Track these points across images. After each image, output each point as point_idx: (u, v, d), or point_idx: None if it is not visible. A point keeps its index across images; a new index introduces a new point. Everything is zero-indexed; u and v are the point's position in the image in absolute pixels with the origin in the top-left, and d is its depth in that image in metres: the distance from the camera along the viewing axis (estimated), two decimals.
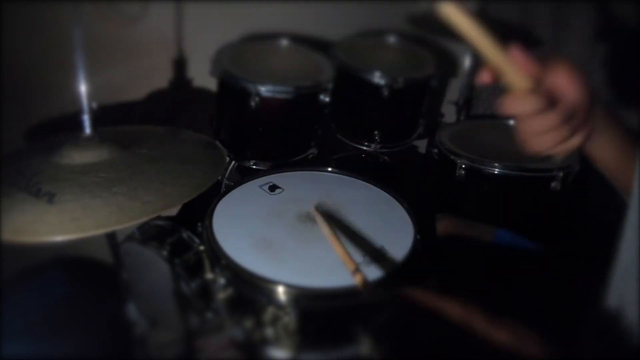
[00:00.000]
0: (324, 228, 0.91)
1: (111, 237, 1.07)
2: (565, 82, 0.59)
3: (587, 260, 0.70)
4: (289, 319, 0.83)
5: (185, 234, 1.12)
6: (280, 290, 0.81)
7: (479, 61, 1.83)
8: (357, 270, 0.82)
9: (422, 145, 1.79)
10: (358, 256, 0.87)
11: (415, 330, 0.71)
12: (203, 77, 1.42)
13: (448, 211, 1.29)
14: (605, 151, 0.68)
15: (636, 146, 0.66)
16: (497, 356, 0.55)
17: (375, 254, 0.89)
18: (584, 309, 0.68)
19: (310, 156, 1.42)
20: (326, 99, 1.34)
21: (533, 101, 0.57)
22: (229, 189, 1.06)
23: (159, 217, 1.15)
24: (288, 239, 0.92)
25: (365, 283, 0.77)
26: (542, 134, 0.59)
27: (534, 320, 0.57)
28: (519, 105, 0.58)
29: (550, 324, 0.59)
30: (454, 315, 0.58)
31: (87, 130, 0.93)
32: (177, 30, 1.47)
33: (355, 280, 0.80)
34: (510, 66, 0.60)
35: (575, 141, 0.61)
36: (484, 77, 0.62)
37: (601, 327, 0.65)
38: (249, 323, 0.89)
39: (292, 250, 0.89)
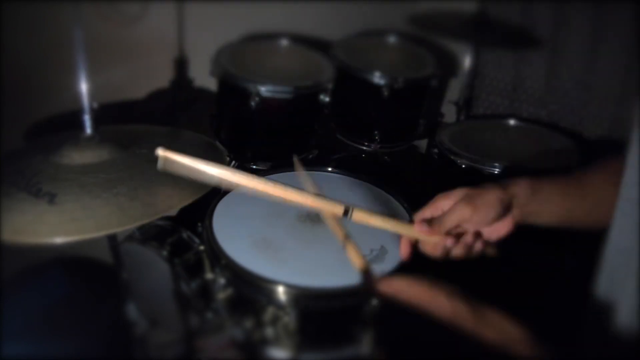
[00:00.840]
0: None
1: (111, 237, 1.07)
2: (463, 217, 0.73)
3: (586, 259, 0.71)
4: (289, 319, 0.83)
5: (185, 234, 1.12)
6: (280, 290, 0.81)
7: (479, 61, 1.83)
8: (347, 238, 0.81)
9: (422, 145, 1.79)
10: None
11: (402, 325, 0.72)
12: (203, 77, 1.42)
13: None
14: (552, 213, 0.76)
15: (582, 186, 0.75)
16: (484, 354, 0.55)
17: (375, 254, 0.89)
18: (579, 307, 0.68)
19: (310, 156, 1.42)
20: (326, 99, 1.34)
21: (443, 248, 0.73)
22: (229, 189, 1.06)
23: (159, 217, 1.15)
24: (288, 239, 0.92)
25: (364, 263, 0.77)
26: (466, 254, 0.74)
27: (527, 319, 0.58)
28: (436, 252, 0.75)
29: (543, 322, 0.59)
30: (441, 310, 0.58)
31: (88, 130, 0.93)
32: (177, 30, 1.47)
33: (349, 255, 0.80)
34: (418, 233, 0.75)
35: (500, 232, 0.75)
36: (405, 252, 0.77)
37: (595, 325, 0.65)
38: (249, 323, 0.89)
39: (292, 250, 0.89)
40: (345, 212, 0.74)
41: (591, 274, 0.66)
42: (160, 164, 0.67)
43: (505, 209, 0.73)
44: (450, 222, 0.73)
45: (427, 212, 0.76)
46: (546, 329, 0.56)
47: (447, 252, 0.74)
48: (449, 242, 0.73)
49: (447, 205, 0.75)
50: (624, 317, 0.61)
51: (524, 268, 1.15)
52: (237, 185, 0.71)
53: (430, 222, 0.75)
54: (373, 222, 0.75)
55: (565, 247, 1.14)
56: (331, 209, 0.74)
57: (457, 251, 0.74)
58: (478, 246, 0.75)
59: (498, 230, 0.75)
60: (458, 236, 0.74)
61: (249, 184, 0.72)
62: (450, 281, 0.69)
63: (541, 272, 1.17)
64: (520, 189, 0.74)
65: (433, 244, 0.75)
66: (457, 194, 0.75)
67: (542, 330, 0.56)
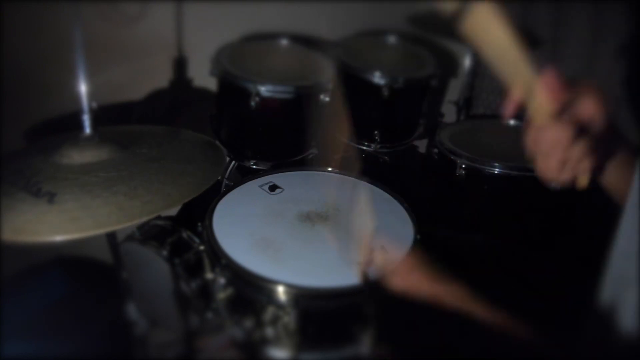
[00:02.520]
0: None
1: (111, 237, 1.07)
2: (593, 111, 0.58)
3: (585, 259, 0.70)
4: (289, 319, 0.83)
5: (185, 234, 1.12)
6: (280, 290, 0.81)
7: (479, 61, 1.83)
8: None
9: (422, 145, 1.79)
10: (358, 255, 0.87)
11: (412, 320, 0.71)
12: (203, 77, 1.42)
13: (448, 211, 1.29)
14: (614, 173, 0.67)
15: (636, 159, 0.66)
16: (494, 344, 0.55)
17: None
18: (581, 307, 0.68)
19: (310, 156, 1.42)
20: (326, 99, 1.34)
21: (564, 130, 0.56)
22: (229, 189, 1.06)
23: (159, 217, 1.15)
24: (288, 239, 0.92)
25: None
26: (570, 165, 0.59)
27: (532, 319, 0.58)
28: (549, 135, 0.57)
29: (547, 321, 0.59)
30: (450, 301, 0.58)
31: (87, 130, 0.93)
32: (177, 30, 1.47)
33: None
34: (540, 90, 0.57)
35: (598, 169, 0.61)
36: (509, 110, 0.60)
37: (597, 329, 0.65)
38: (249, 323, 0.89)
39: (292, 250, 0.89)
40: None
41: (594, 279, 0.65)
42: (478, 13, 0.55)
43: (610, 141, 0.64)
44: (584, 110, 0.58)
45: (559, 75, 0.59)
46: (549, 331, 0.56)
47: (565, 146, 0.58)
48: (567, 126, 0.56)
49: (575, 86, 0.60)
50: (626, 321, 0.61)
51: (527, 272, 1.15)
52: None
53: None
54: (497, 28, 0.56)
55: (570, 251, 1.14)
56: None
57: (577, 150, 0.58)
58: (592, 158, 0.60)
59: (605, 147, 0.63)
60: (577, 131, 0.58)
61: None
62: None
63: (544, 276, 1.17)
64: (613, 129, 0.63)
65: (549, 122, 0.58)
66: (589, 86, 0.61)
67: (545, 332, 0.56)
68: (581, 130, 0.58)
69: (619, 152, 0.66)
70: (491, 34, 0.57)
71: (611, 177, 0.68)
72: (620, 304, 0.61)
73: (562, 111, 0.57)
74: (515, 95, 0.60)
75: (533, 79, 0.58)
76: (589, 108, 0.58)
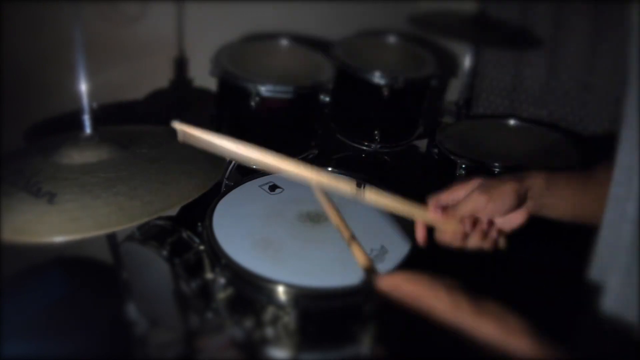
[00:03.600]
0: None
1: (111, 237, 1.07)
2: (477, 210, 0.74)
3: (584, 259, 0.71)
4: (289, 319, 0.83)
5: (185, 234, 1.12)
6: (280, 290, 0.81)
7: (479, 61, 1.83)
8: (352, 238, 0.81)
9: (422, 145, 1.79)
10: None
11: (401, 323, 0.72)
12: (203, 77, 1.42)
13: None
14: (565, 208, 0.76)
15: (593, 181, 0.74)
16: (484, 350, 0.56)
17: (375, 254, 0.89)
18: (578, 307, 0.68)
19: (310, 156, 1.42)
20: (326, 99, 1.34)
21: (460, 235, 0.74)
22: (229, 189, 1.06)
23: (159, 217, 1.15)
24: (288, 239, 0.92)
25: (367, 259, 0.77)
26: (481, 244, 0.75)
27: (525, 314, 0.58)
28: (451, 239, 0.76)
29: (542, 320, 0.59)
30: (441, 304, 0.59)
31: (87, 130, 0.93)
32: (177, 30, 1.47)
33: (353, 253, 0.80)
34: (433, 218, 0.76)
35: (514, 223, 0.75)
36: (421, 236, 0.78)
37: (596, 325, 0.65)
38: (249, 323, 0.89)
39: (292, 250, 0.89)
40: (359, 186, 0.75)
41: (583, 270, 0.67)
42: (180, 137, 0.72)
43: (520, 200, 0.73)
44: (465, 209, 0.74)
45: (441, 198, 0.76)
46: (543, 323, 0.57)
47: (463, 239, 0.75)
48: (467, 226, 0.73)
49: (461, 194, 0.75)
50: (610, 308, 0.62)
51: (521, 265, 1.15)
52: (249, 159, 0.75)
53: (444, 209, 0.75)
54: (386, 202, 0.76)
55: (560, 244, 1.14)
56: (343, 186, 0.75)
57: (474, 239, 0.74)
58: (493, 234, 0.75)
59: (512, 221, 0.75)
60: (474, 223, 0.74)
61: (260, 158, 0.75)
62: (450, 277, 0.69)
63: (537, 268, 1.17)
64: (535, 181, 0.74)
65: (451, 231, 0.75)
66: (473, 183, 0.75)
67: (539, 322, 0.56)
68: (474, 221, 0.75)
69: (553, 193, 0.75)
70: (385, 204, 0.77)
71: (560, 210, 0.76)
72: (605, 291, 0.62)
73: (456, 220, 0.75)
74: (419, 226, 0.78)
75: (426, 215, 0.77)
76: (470, 209, 0.74)
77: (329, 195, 0.86)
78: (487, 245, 0.75)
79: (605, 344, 0.63)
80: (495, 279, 1.07)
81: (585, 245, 0.67)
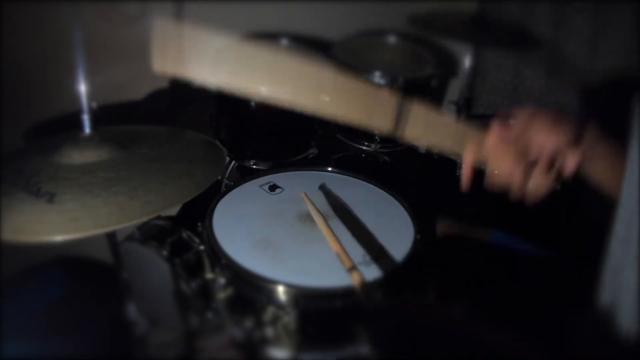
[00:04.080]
0: (320, 224, 0.92)
1: (111, 237, 1.07)
2: (543, 139, 0.67)
3: (584, 259, 0.71)
4: (289, 319, 0.83)
5: (185, 234, 1.12)
6: (280, 289, 0.81)
7: (479, 61, 1.83)
8: (353, 268, 0.82)
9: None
10: (358, 256, 0.87)
11: (398, 326, 0.71)
12: None
13: (448, 211, 1.29)
14: (600, 170, 0.71)
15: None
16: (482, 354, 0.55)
17: (375, 254, 0.89)
18: (580, 308, 0.68)
19: (310, 156, 1.42)
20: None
21: (516, 167, 0.67)
22: (229, 189, 1.06)
23: (159, 217, 1.15)
24: (288, 239, 0.92)
25: (362, 282, 0.77)
26: (536, 188, 0.68)
27: (530, 320, 0.58)
28: (507, 179, 0.68)
29: (544, 323, 0.59)
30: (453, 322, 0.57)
31: (87, 129, 0.93)
32: None
33: (352, 280, 0.80)
34: (490, 144, 0.68)
35: (567, 172, 0.68)
36: (467, 175, 0.70)
37: (595, 326, 0.65)
38: (249, 323, 0.89)
39: (292, 250, 0.89)
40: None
41: (595, 278, 0.66)
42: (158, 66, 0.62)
43: (576, 143, 0.69)
44: (527, 145, 0.67)
45: (501, 127, 0.68)
46: (546, 327, 0.56)
47: (523, 177, 0.67)
48: (532, 159, 0.66)
49: (521, 123, 0.68)
50: (624, 322, 0.61)
51: (526, 271, 1.15)
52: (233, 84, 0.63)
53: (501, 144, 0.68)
54: (437, 120, 0.67)
55: (570, 250, 1.14)
56: (377, 119, 0.67)
57: (538, 176, 0.67)
58: (557, 169, 0.68)
59: (569, 161, 0.69)
60: (531, 166, 0.68)
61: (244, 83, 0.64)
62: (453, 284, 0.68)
63: (544, 274, 1.17)
64: (590, 129, 0.70)
65: (509, 168, 0.67)
66: (533, 111, 0.69)
67: (542, 328, 0.56)
68: (532, 164, 0.67)
69: (599, 150, 0.70)
70: (432, 128, 0.68)
71: (597, 174, 0.71)
72: (619, 305, 0.61)
73: (514, 151, 0.67)
74: (468, 160, 0.69)
75: (481, 137, 0.68)
76: (537, 138, 0.67)
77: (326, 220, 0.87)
78: (547, 183, 0.68)
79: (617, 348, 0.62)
80: (497, 280, 1.07)
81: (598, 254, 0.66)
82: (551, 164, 0.67)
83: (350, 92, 0.68)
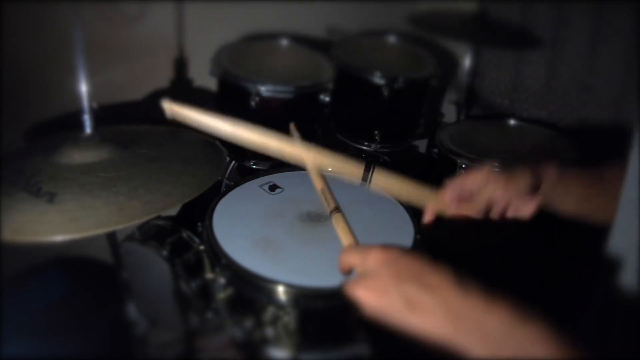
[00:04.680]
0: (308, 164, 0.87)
1: (111, 237, 1.07)
2: (496, 194, 0.73)
3: (586, 258, 0.70)
4: (289, 319, 0.83)
5: (185, 234, 1.12)
6: (280, 289, 0.81)
7: (479, 61, 1.83)
8: (336, 210, 0.81)
9: (422, 145, 1.79)
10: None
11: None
12: (203, 77, 1.42)
13: None
14: (573, 201, 0.76)
15: (602, 180, 0.74)
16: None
17: None
18: (582, 305, 0.68)
19: None
20: (326, 99, 1.34)
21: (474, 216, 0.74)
22: (229, 189, 1.06)
23: (159, 217, 1.15)
24: (288, 239, 0.92)
25: (344, 224, 0.76)
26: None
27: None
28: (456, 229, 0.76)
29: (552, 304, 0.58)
30: (445, 284, 0.55)
31: (87, 129, 0.93)
32: (177, 30, 1.47)
33: (333, 222, 0.78)
34: (447, 209, 0.76)
35: (524, 217, 0.74)
36: (428, 220, 0.77)
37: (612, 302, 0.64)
38: (249, 323, 0.89)
39: (292, 250, 0.89)
40: (367, 171, 0.76)
41: (595, 276, 0.65)
42: (168, 114, 0.73)
43: (534, 189, 0.74)
44: (483, 200, 0.73)
45: (456, 187, 0.75)
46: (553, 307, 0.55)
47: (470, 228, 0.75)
48: (481, 216, 0.73)
49: (476, 184, 0.74)
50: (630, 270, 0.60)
51: (527, 270, 1.15)
52: (236, 136, 0.75)
53: (459, 200, 0.75)
54: (396, 187, 0.77)
55: (571, 250, 1.14)
56: (351, 170, 0.76)
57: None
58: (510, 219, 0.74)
59: (524, 210, 0.74)
60: (486, 213, 0.74)
61: (248, 137, 0.76)
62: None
63: (545, 273, 1.17)
64: (548, 173, 0.74)
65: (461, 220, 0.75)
66: (487, 172, 0.75)
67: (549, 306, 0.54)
68: (488, 209, 0.74)
69: (564, 186, 0.75)
70: (394, 188, 0.80)
71: (571, 205, 0.76)
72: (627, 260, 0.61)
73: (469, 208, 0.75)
74: (429, 212, 0.77)
75: (438, 198, 0.76)
76: (489, 195, 0.73)
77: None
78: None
79: (621, 321, 0.61)
80: (502, 272, 1.07)
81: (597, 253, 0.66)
82: (504, 213, 0.74)
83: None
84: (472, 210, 0.74)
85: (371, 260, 0.56)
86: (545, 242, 1.14)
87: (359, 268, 0.59)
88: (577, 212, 0.75)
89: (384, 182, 0.78)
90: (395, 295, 0.51)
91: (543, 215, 0.75)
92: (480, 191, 0.74)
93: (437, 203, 0.76)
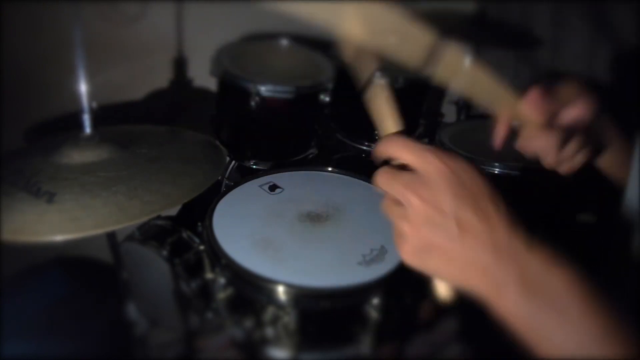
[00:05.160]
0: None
1: (111, 236, 1.07)
2: (578, 114, 0.63)
3: (587, 258, 0.70)
4: (289, 319, 0.83)
5: (185, 234, 1.12)
6: (280, 289, 0.81)
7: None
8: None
9: None
10: (358, 255, 0.87)
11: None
12: (203, 77, 1.42)
13: None
14: (611, 159, 0.70)
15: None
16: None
17: (376, 254, 0.89)
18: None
19: (310, 156, 1.42)
20: (326, 99, 1.34)
21: (552, 139, 0.63)
22: (229, 189, 1.06)
23: (159, 217, 1.15)
24: (288, 239, 0.92)
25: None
26: (566, 160, 0.65)
27: None
28: (538, 144, 0.64)
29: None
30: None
31: (87, 129, 0.93)
32: (177, 30, 1.47)
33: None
34: (525, 108, 0.63)
35: (592, 158, 0.67)
36: (500, 134, 0.65)
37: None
38: (249, 323, 0.89)
39: (292, 250, 0.89)
40: None
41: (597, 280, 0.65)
42: None
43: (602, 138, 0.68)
44: (569, 115, 0.63)
45: (543, 89, 0.63)
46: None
47: (557, 150, 0.64)
48: (566, 133, 0.62)
49: (563, 97, 0.64)
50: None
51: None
52: None
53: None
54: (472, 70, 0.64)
55: (571, 251, 1.13)
56: None
57: (570, 149, 0.64)
58: (589, 147, 0.66)
59: (604, 132, 0.67)
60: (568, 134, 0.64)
61: None
62: None
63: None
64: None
65: (544, 138, 0.64)
66: (572, 86, 0.65)
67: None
68: (569, 133, 0.63)
69: (614, 140, 0.69)
70: (465, 74, 0.66)
71: (608, 163, 0.71)
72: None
73: (549, 121, 0.63)
74: (503, 118, 0.65)
75: (516, 100, 0.64)
76: (573, 113, 0.63)
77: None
78: (578, 160, 0.66)
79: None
80: None
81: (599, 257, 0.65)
82: (584, 142, 0.65)
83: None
84: (551, 119, 0.62)
85: (430, 167, 0.49)
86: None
87: (410, 163, 0.53)
88: (616, 168, 0.70)
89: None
90: (449, 212, 0.47)
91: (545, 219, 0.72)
92: (570, 107, 0.63)
93: (515, 108, 0.63)
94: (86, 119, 0.93)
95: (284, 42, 1.53)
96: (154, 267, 1.09)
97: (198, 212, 1.00)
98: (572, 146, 0.64)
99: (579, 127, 0.64)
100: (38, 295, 1.27)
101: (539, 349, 0.45)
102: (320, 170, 1.17)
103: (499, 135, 0.65)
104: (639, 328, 0.43)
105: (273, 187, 1.08)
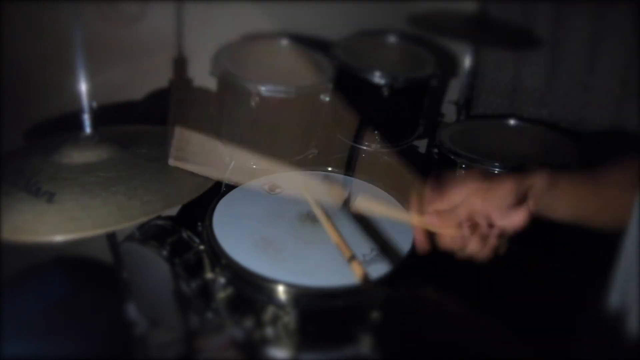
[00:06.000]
0: (319, 216, 0.93)
1: (111, 237, 1.07)
2: (474, 208, 0.72)
3: (587, 260, 0.71)
4: (289, 319, 0.83)
5: (185, 234, 1.12)
6: (280, 289, 0.81)
7: (479, 61, 1.83)
8: (353, 258, 0.81)
9: (422, 145, 1.79)
10: (358, 255, 0.87)
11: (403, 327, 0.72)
12: (203, 77, 1.42)
13: None
14: (569, 206, 0.75)
15: (598, 184, 0.74)
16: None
17: (376, 254, 0.89)
18: (585, 310, 0.68)
19: (310, 156, 1.42)
20: (326, 99, 1.34)
21: (458, 239, 0.73)
22: (229, 189, 1.07)
23: (159, 217, 1.15)
24: (288, 239, 0.92)
25: (363, 272, 0.78)
26: (481, 249, 0.73)
27: (533, 323, 0.57)
28: (451, 244, 0.74)
29: (549, 325, 0.59)
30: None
31: (87, 129, 0.93)
32: (177, 30, 1.47)
33: (352, 270, 0.80)
34: (430, 225, 0.74)
35: (511, 231, 0.73)
36: (421, 242, 0.76)
37: (602, 328, 0.65)
38: (249, 323, 0.89)
39: (292, 250, 0.89)
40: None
41: (598, 279, 0.65)
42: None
43: (520, 200, 0.72)
44: (462, 213, 0.72)
45: (438, 204, 0.74)
46: (547, 334, 0.56)
47: (463, 245, 0.72)
48: (465, 230, 0.71)
49: (458, 197, 0.73)
50: (632, 322, 0.61)
51: (528, 272, 1.15)
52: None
53: (441, 213, 0.74)
54: (379, 210, 0.78)
55: (571, 251, 1.14)
56: (334, 195, 0.76)
57: (473, 244, 0.72)
58: (493, 239, 0.73)
59: (512, 221, 0.72)
60: (473, 227, 0.72)
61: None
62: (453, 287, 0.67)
63: (546, 276, 1.17)
64: (537, 180, 0.73)
65: (450, 236, 0.73)
66: (469, 185, 0.73)
67: (543, 335, 0.55)
68: (473, 225, 0.72)
69: (558, 191, 0.74)
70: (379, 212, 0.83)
71: (567, 211, 0.75)
72: (630, 302, 0.61)
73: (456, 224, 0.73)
74: (418, 233, 0.76)
75: (423, 221, 0.75)
76: (467, 212, 0.72)
77: (328, 213, 0.89)
78: (487, 250, 0.73)
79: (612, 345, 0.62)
80: (497, 281, 1.07)
81: (601, 254, 0.66)
82: (486, 235, 0.72)
83: None
84: (454, 223, 0.73)
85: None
86: (545, 252, 1.14)
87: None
88: (571, 217, 0.75)
89: (367, 207, 0.82)
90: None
91: (540, 225, 0.74)
92: (460, 205, 0.73)
93: (422, 221, 0.75)
94: (86, 119, 0.93)
95: (284, 42, 1.52)
96: (154, 267, 1.09)
97: (198, 212, 1.00)
98: (476, 238, 0.72)
99: (480, 215, 0.73)
100: (38, 295, 1.27)
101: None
102: (320, 170, 1.17)
103: (420, 241, 0.76)
104: None
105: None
